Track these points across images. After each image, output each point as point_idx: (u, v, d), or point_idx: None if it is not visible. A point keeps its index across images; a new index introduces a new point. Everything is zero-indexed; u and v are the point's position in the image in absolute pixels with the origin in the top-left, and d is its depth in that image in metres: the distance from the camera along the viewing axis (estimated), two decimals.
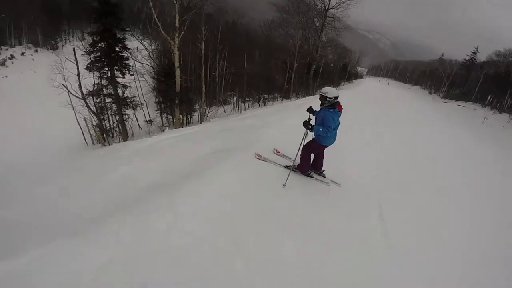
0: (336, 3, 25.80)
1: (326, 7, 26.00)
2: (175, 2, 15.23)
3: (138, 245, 3.01)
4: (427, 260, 3.64)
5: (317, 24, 27.19)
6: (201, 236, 3.23)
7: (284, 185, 4.54)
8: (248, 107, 18.79)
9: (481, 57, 44.53)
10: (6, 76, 27.57)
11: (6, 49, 33.19)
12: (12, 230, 4.16)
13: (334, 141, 4.63)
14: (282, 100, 20.62)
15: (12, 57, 31.28)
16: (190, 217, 3.45)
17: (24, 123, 19.05)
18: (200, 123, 14.54)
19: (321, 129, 4.31)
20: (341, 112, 4.42)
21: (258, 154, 5.23)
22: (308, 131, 4.54)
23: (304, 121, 4.46)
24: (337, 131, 4.56)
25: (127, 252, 2.95)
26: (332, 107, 4.36)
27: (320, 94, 4.42)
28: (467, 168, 7.94)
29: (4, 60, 31.68)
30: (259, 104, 19.31)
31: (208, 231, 3.31)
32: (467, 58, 45.84)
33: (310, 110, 4.59)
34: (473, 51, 45.12)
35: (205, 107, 16.02)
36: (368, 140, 8.22)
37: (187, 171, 5.09)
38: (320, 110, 4.49)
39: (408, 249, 3.75)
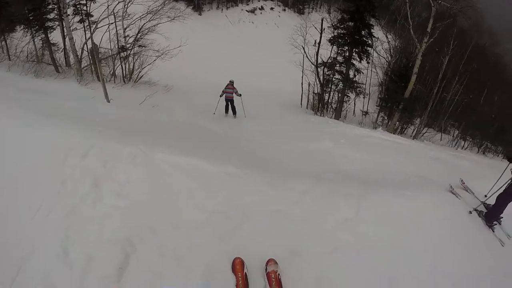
0: None
1: None
2: (432, 5, 14.11)
3: None
4: None
5: None
6: None
7: None
8: (467, 147, 15.95)
9: None
10: (253, 23, 33.79)
11: (259, 1, 40.32)
12: None
13: None
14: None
15: (261, 8, 37.74)
16: None
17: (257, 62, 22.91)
18: (413, 139, 13.53)
19: None
20: None
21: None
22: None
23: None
24: None
25: None
26: None
27: None
28: None
29: (254, 9, 38.81)
30: (478, 150, 16.03)
31: None
32: None
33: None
34: None
35: (423, 126, 14.63)
36: None
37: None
38: None
39: None
